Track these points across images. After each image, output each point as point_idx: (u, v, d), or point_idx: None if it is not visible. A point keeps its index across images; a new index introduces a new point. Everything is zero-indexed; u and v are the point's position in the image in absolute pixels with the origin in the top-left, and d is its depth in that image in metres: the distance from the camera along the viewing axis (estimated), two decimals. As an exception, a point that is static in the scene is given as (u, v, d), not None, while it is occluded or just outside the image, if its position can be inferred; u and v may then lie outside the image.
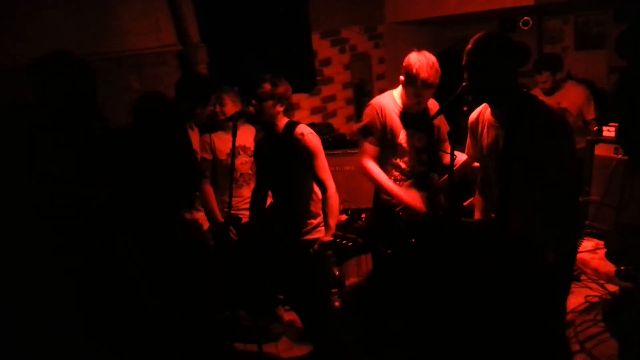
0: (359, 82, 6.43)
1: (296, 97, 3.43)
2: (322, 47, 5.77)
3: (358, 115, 6.44)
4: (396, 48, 6.78)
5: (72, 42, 3.69)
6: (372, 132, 3.32)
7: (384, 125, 3.29)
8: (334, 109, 6.09)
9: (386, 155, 3.36)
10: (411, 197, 3.30)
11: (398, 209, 3.32)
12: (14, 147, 2.84)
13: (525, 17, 6.78)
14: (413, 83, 3.14)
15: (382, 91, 6.89)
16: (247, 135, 3.95)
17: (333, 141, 5.04)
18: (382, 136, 3.31)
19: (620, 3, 6.05)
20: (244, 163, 3.91)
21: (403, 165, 3.35)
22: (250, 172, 3.93)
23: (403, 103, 3.31)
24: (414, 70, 3.12)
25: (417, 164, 3.37)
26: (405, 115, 3.32)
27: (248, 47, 4.46)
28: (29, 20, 3.48)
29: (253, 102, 3.19)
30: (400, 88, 3.34)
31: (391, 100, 3.36)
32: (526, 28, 6.87)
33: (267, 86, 3.13)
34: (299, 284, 3.34)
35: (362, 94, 6.47)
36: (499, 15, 6.66)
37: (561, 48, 6.96)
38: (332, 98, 6.05)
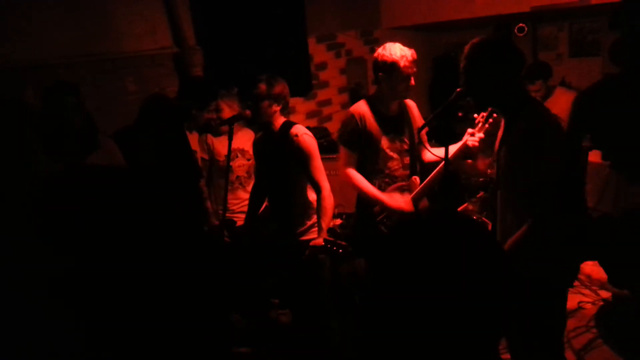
0: (355, 87, 6.44)
1: (292, 101, 3.42)
2: (318, 51, 5.78)
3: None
4: (392, 53, 6.79)
5: (68, 44, 3.70)
6: (352, 139, 3.29)
7: (365, 132, 3.26)
8: (329, 113, 6.10)
9: (370, 161, 3.33)
10: (395, 200, 3.28)
11: (381, 216, 3.31)
12: (11, 144, 2.82)
13: (520, 24, 6.81)
14: (396, 69, 3.13)
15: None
16: (245, 139, 3.95)
17: (328, 145, 5.04)
18: (364, 143, 3.29)
19: (614, 10, 6.09)
20: (241, 166, 3.92)
21: (387, 171, 3.34)
22: (246, 175, 3.93)
23: (387, 99, 3.29)
24: (392, 57, 3.13)
25: (401, 168, 3.37)
26: (385, 120, 3.31)
27: (244, 50, 4.47)
28: (25, 21, 3.48)
29: (249, 103, 3.20)
30: (375, 92, 3.34)
31: (367, 107, 3.33)
32: (521, 35, 6.89)
33: (263, 86, 3.13)
34: (296, 285, 3.34)
35: (358, 98, 6.46)
36: (494, 21, 6.69)
37: (556, 55, 7.00)
38: (327, 102, 6.06)
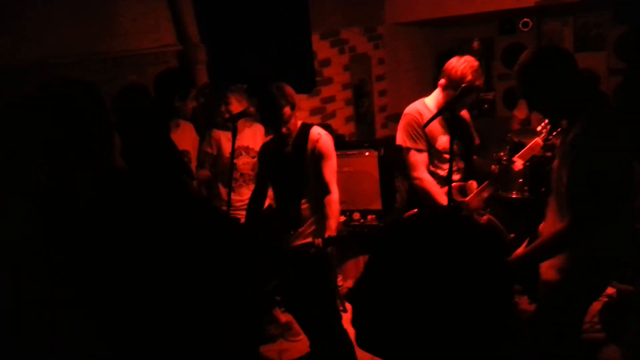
0: (359, 83, 6.43)
1: (295, 98, 3.42)
2: (321, 48, 5.77)
3: (357, 117, 6.43)
4: (396, 49, 6.78)
5: (71, 42, 3.70)
6: (416, 140, 3.27)
7: (424, 131, 3.24)
8: (333, 110, 6.08)
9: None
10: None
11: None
12: (12, 145, 2.82)
13: (525, 19, 6.79)
14: (458, 85, 3.11)
15: (381, 92, 6.89)
16: (251, 136, 3.96)
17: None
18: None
19: (619, 5, 6.06)
20: (245, 163, 3.92)
21: (442, 173, 3.30)
22: (251, 172, 3.94)
23: (440, 107, 3.25)
24: (459, 74, 3.11)
25: (457, 171, 3.34)
26: (441, 121, 3.28)
27: (248, 47, 4.47)
28: (28, 20, 3.48)
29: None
30: (435, 94, 3.31)
31: (424, 108, 3.31)
32: (526, 30, 6.87)
33: (279, 98, 3.10)
34: (299, 286, 3.32)
35: (362, 95, 6.47)
36: (498, 16, 6.67)
37: (560, 50, 6.96)
38: (331, 99, 6.04)
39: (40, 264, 2.37)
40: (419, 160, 3.29)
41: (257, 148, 3.92)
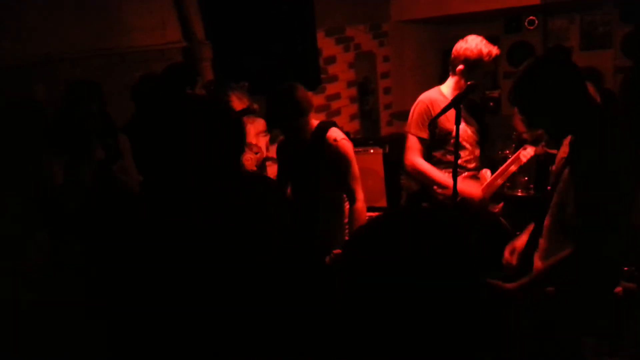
0: (363, 81, 6.42)
1: (309, 101, 3.36)
2: (326, 45, 5.76)
3: (362, 114, 6.43)
4: (401, 46, 6.78)
5: (76, 38, 3.71)
6: (420, 127, 3.20)
7: (436, 119, 3.12)
8: (338, 107, 6.08)
9: (439, 150, 3.26)
10: (467, 185, 3.15)
11: (458, 199, 3.09)
12: (14, 143, 2.83)
13: (531, 17, 6.78)
14: (479, 63, 3.06)
15: (386, 90, 6.87)
16: (253, 133, 3.95)
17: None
18: (433, 131, 3.19)
19: (626, 3, 6.04)
20: (249, 160, 3.92)
21: (459, 161, 3.15)
22: (255, 168, 3.94)
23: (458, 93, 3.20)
24: (475, 51, 3.05)
25: (472, 159, 3.30)
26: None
27: (253, 44, 4.47)
28: (32, 17, 3.48)
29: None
30: (451, 82, 3.24)
31: (440, 96, 3.23)
32: (532, 28, 6.86)
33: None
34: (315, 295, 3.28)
35: (367, 92, 6.46)
36: (504, 14, 6.66)
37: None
38: (336, 96, 6.04)
39: (45, 262, 2.38)
40: (415, 145, 3.22)
41: (260, 144, 3.93)
